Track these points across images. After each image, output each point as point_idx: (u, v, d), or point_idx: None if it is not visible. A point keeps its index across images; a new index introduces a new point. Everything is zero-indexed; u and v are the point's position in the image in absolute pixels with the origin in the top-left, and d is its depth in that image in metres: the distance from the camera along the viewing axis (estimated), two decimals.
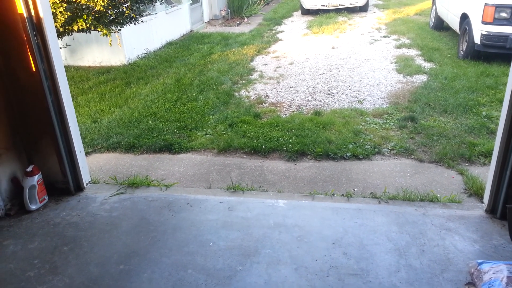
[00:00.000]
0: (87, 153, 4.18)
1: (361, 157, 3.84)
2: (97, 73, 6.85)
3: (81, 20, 4.80)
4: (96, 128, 4.65)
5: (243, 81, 6.41)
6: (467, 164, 3.65)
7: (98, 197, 3.23)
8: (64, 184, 3.26)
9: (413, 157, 3.81)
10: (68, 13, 4.69)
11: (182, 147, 4.21)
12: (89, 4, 4.72)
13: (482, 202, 2.94)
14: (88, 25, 4.90)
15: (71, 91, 5.98)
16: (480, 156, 3.73)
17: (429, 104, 4.92)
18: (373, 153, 3.91)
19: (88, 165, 3.93)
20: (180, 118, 4.89)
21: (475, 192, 3.12)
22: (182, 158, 4.05)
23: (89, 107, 5.28)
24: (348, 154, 3.87)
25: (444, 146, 3.89)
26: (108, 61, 7.41)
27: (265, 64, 7.35)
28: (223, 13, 12.46)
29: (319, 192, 3.17)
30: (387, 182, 3.40)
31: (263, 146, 4.08)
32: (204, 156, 4.08)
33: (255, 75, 6.71)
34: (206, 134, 4.51)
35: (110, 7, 4.95)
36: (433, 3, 9.80)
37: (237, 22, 11.83)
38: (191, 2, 10.72)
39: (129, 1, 5.09)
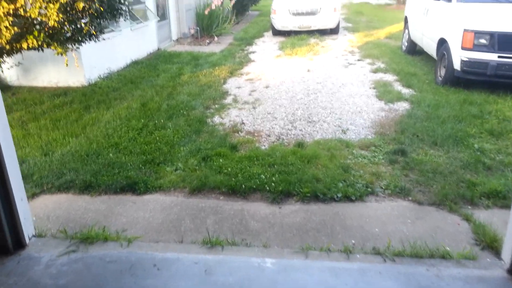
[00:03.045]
0: (34, 195, 3.55)
1: (353, 198, 3.42)
2: (52, 95, 6.17)
3: (31, 36, 4.18)
4: (47, 162, 4.00)
5: (216, 105, 5.92)
6: (469, 207, 3.29)
7: (43, 256, 2.60)
8: (0, 240, 2.62)
9: (410, 198, 3.42)
10: (15, 28, 4.07)
11: (148, 186, 3.65)
12: (41, 19, 4.12)
13: (500, 259, 2.55)
14: (39, 43, 4.29)
15: (20, 116, 5.31)
16: (482, 197, 3.38)
17: (417, 136, 4.60)
18: (366, 194, 3.49)
19: (35, 211, 3.30)
20: (146, 149, 4.32)
21: (489, 245, 2.74)
22: (149, 200, 3.48)
23: (40, 137, 4.61)
24: (339, 195, 3.44)
25: (443, 186, 3.53)
26: (66, 82, 6.73)
27: (239, 87, 6.90)
28: (192, 31, 12.01)
29: (313, 246, 2.69)
30: (387, 230, 2.98)
31: (243, 186, 3.58)
32: (175, 197, 3.53)
33: (228, 99, 6.24)
34: (176, 170, 3.96)
35: (66, 23, 4.36)
36: (405, 27, 9.75)
37: (207, 41, 11.40)
38: (158, 19, 10.20)
39: (88, 17, 4.51)
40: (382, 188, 3.58)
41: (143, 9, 9.39)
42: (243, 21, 16.08)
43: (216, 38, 11.77)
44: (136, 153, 4.24)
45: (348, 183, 3.62)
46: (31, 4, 4.03)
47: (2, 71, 6.00)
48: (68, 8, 4.41)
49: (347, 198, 3.42)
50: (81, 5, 4.28)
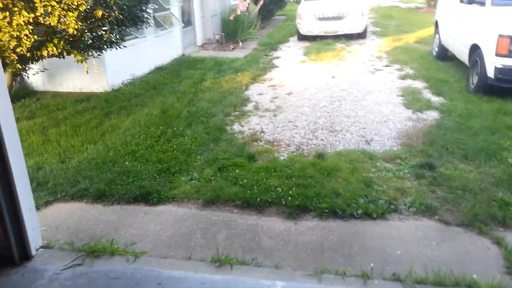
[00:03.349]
0: (47, 203, 3.52)
1: (374, 216, 3.21)
2: (75, 100, 6.23)
3: (51, 44, 4.20)
4: (63, 170, 3.99)
5: (237, 113, 5.82)
6: (501, 229, 3.03)
7: (48, 270, 2.55)
8: (6, 250, 2.57)
9: (436, 217, 3.19)
10: (35, 36, 4.09)
11: (162, 196, 3.56)
12: (60, 27, 4.13)
13: None
14: (59, 50, 4.30)
15: (42, 122, 5.37)
16: None
17: (447, 148, 4.33)
18: (389, 211, 3.28)
19: (46, 219, 3.27)
20: (163, 158, 4.25)
21: None
22: (161, 212, 3.39)
23: (59, 143, 4.62)
24: (359, 212, 3.24)
25: (472, 205, 3.27)
26: (90, 88, 6.79)
27: (261, 94, 6.78)
28: (217, 37, 11.99)
29: (328, 269, 2.52)
30: (410, 253, 2.77)
31: (258, 199, 3.44)
32: (187, 209, 3.43)
33: (249, 106, 6.12)
34: (191, 180, 3.86)
35: (86, 31, 4.35)
36: (436, 31, 9.39)
37: (232, 46, 11.36)
38: (183, 25, 10.23)
39: (108, 24, 4.50)
40: (406, 205, 3.36)
41: (168, 15, 9.43)
42: (269, 26, 15.98)
43: (241, 44, 11.71)
44: (152, 162, 4.18)
45: (370, 199, 3.42)
46: (50, 13, 4.04)
47: (28, 77, 6.11)
48: (88, 16, 4.41)
49: (368, 215, 3.22)
50: (100, 13, 4.28)
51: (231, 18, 11.93)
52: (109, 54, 6.43)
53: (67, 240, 2.97)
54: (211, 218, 3.28)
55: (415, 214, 3.25)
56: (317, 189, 3.53)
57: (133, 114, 5.62)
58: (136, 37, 7.52)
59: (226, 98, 6.43)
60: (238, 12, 11.96)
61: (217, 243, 2.92)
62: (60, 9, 4.11)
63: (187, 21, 10.84)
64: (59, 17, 4.17)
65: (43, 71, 6.53)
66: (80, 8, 4.16)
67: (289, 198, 3.44)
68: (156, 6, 8.42)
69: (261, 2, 13.47)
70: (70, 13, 4.15)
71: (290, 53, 10.51)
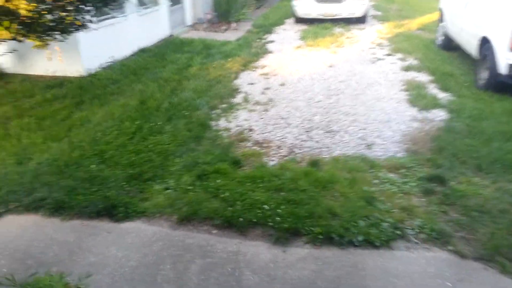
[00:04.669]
0: None
1: (377, 243, 2.74)
2: (46, 86, 5.61)
3: (1, 27, 3.59)
4: (19, 173, 3.44)
5: (224, 105, 5.26)
6: None
7: None
8: None
9: (450, 248, 2.72)
10: None
11: (130, 210, 3.06)
12: (10, 8, 3.50)
13: None
14: (13, 35, 3.69)
15: (5, 112, 4.78)
16: None
17: (458, 157, 3.85)
18: (394, 238, 2.81)
19: None
20: (135, 161, 3.72)
21: None
22: (127, 231, 2.88)
23: (19, 139, 4.05)
24: (359, 238, 2.77)
25: (491, 232, 2.81)
26: (64, 71, 6.16)
27: (252, 84, 6.21)
28: (209, 16, 11.27)
29: None
30: None
31: (241, 218, 2.94)
32: (159, 227, 2.93)
33: (238, 98, 5.57)
34: (166, 189, 3.35)
35: (44, 12, 3.73)
36: (441, 19, 8.78)
37: (224, 27, 10.67)
38: (171, 3, 9.52)
39: (70, 6, 3.87)
40: (414, 230, 2.88)
41: None
42: (265, 6, 15.23)
43: (233, 25, 11.02)
44: (122, 165, 3.64)
45: (372, 221, 2.93)
46: None
47: None
48: None
49: (369, 243, 2.75)
50: None
51: None
52: (84, 36, 5.80)
53: (10, 267, 2.48)
54: (185, 240, 2.79)
55: (425, 242, 2.78)
56: (311, 207, 3.04)
57: (107, 104, 5.04)
58: (114, 17, 6.85)
59: (213, 87, 5.86)
60: None
61: (189, 278, 2.43)
62: None
63: None
64: None
65: (11, 52, 5.89)
66: None
67: (278, 218, 2.94)
68: None
69: None
70: None
71: (285, 36, 9.87)
